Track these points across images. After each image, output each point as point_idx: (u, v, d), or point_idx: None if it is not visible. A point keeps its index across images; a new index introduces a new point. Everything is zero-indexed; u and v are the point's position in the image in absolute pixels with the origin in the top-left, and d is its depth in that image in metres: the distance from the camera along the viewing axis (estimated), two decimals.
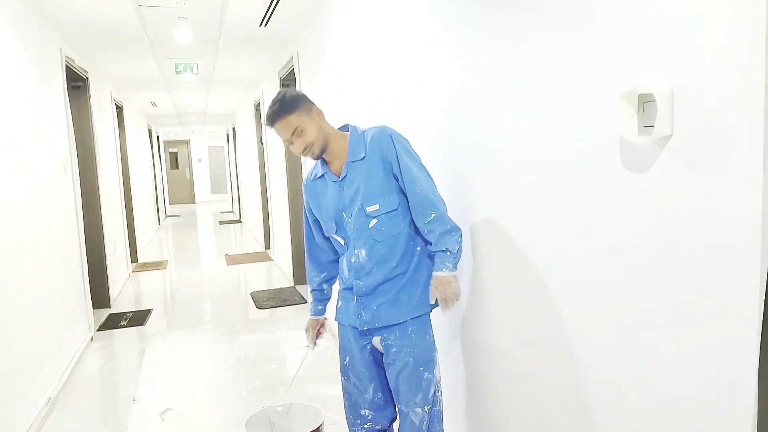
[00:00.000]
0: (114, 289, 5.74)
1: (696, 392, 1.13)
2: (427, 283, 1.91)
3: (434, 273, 1.85)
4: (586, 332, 1.45)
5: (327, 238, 2.05)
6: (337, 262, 2.07)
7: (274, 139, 6.47)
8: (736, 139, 0.99)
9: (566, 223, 1.50)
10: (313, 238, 2.09)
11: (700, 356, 1.11)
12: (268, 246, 8.31)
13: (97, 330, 4.79)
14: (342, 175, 1.89)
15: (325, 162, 1.95)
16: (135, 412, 3.12)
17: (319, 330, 2.21)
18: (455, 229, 1.84)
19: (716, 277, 1.06)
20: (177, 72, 6.12)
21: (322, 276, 2.13)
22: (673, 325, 1.17)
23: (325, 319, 2.23)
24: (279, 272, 6.93)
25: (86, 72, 5.07)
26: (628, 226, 1.27)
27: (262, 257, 8.01)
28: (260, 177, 8.09)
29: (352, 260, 1.92)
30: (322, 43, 3.98)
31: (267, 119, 1.82)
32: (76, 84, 5.01)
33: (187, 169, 18.95)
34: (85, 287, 4.44)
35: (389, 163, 1.83)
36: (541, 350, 1.66)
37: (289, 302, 5.41)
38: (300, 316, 4.97)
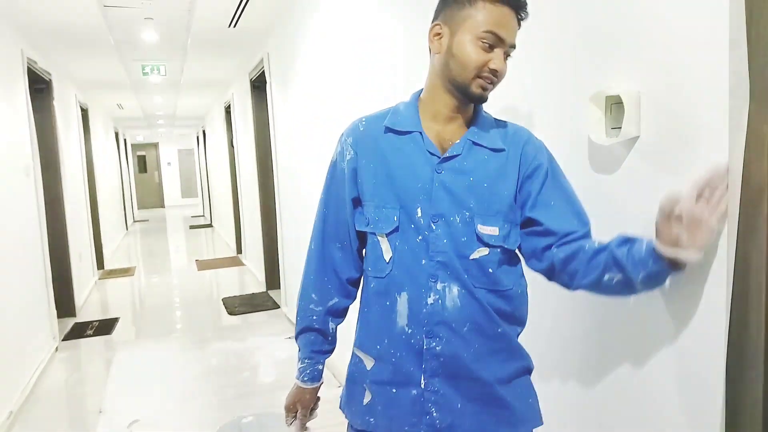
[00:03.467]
0: (80, 297, 5.59)
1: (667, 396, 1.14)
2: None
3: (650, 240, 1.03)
4: (557, 333, 1.46)
5: (357, 237, 1.27)
6: (357, 286, 1.32)
7: (245, 142, 6.39)
8: (702, 141, 1.00)
9: None
10: (334, 232, 1.28)
11: (669, 355, 1.12)
12: (239, 250, 8.20)
13: (63, 340, 4.65)
14: (452, 152, 1.16)
15: (418, 116, 1.21)
16: (102, 425, 3.03)
17: (312, 407, 1.37)
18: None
19: (683, 277, 1.07)
20: (144, 74, 6.01)
21: (331, 303, 1.29)
22: (644, 331, 1.17)
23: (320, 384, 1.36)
24: (251, 277, 6.85)
25: (49, 74, 4.93)
26: (596, 227, 1.28)
27: (234, 262, 7.90)
28: (231, 180, 7.99)
29: (429, 300, 1.14)
30: (293, 44, 3.95)
31: None
32: (39, 87, 4.86)
33: (156, 173, 18.62)
34: (49, 296, 4.31)
35: (524, 175, 1.16)
36: None
37: (261, 308, 5.34)
38: (273, 321, 4.91)
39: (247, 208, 6.88)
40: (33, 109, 4.62)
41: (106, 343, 4.57)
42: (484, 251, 1.13)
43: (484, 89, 1.12)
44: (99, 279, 7.06)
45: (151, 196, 18.27)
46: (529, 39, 1.43)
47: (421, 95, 1.23)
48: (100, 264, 7.44)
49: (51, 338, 4.31)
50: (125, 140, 14.38)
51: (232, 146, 7.58)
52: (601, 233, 1.26)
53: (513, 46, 1.12)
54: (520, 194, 1.16)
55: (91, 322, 5.15)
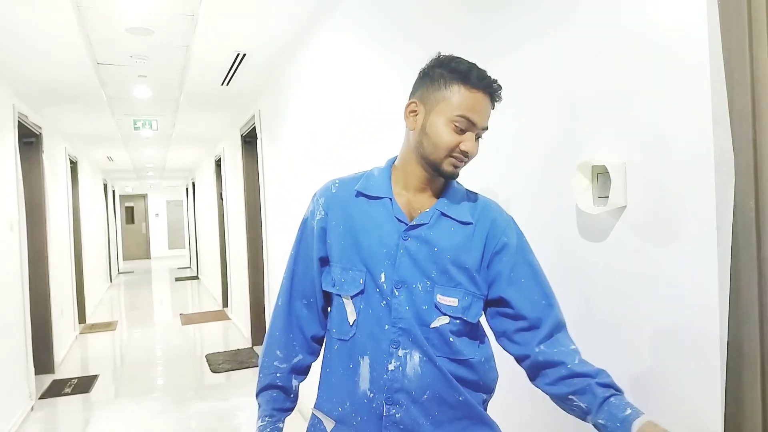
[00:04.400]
0: (59, 353, 5.43)
1: None
2: None
3: (641, 421, 0.97)
4: None
5: (323, 296, 1.28)
6: (320, 343, 1.31)
7: (234, 195, 6.40)
8: (689, 214, 1.01)
9: None
10: (301, 290, 1.28)
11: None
12: (225, 304, 8.07)
13: (39, 398, 4.48)
14: (419, 221, 1.17)
15: (390, 183, 1.23)
16: None
17: None
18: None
19: (675, 353, 1.06)
20: (135, 128, 6.05)
21: (296, 360, 1.28)
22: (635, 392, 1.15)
23: None
24: (236, 332, 6.71)
25: (40, 128, 4.95)
26: (584, 294, 1.27)
27: (220, 316, 7.76)
28: (219, 233, 7.95)
29: (390, 367, 1.14)
30: (284, 102, 4.02)
31: (489, 80, 1.13)
32: (29, 140, 4.88)
33: (144, 224, 18.51)
34: (27, 353, 4.18)
35: (492, 251, 1.17)
36: None
37: (247, 365, 5.21)
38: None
39: (234, 262, 6.82)
40: (21, 163, 4.62)
41: (84, 403, 4.41)
42: (444, 320, 1.14)
43: (456, 167, 1.15)
44: (80, 333, 6.88)
45: (137, 248, 18.09)
46: (518, 108, 1.47)
47: (395, 163, 1.26)
48: (81, 318, 7.28)
49: (27, 397, 4.15)
50: (113, 191, 14.36)
51: (221, 199, 7.58)
52: (589, 301, 1.25)
53: (485, 129, 1.15)
54: (488, 270, 1.17)
55: (70, 379, 4.98)
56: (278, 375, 1.27)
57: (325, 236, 1.23)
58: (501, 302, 1.17)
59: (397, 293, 1.14)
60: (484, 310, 1.20)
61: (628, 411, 0.99)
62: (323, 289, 1.25)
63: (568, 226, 1.31)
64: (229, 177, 6.76)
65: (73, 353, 6.00)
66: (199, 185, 11.00)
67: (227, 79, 4.33)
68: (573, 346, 1.11)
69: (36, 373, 4.89)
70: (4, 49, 3.31)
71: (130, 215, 18.40)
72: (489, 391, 1.22)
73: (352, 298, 1.18)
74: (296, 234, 1.31)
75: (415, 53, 2.00)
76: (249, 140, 5.46)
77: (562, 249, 1.33)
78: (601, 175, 1.21)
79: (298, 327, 1.28)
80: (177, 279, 12.66)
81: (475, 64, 1.14)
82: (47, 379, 4.96)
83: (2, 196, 3.72)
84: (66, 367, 5.42)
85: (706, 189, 0.97)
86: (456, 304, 1.14)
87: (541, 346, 1.11)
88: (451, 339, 1.14)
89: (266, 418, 1.27)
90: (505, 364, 1.23)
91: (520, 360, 1.17)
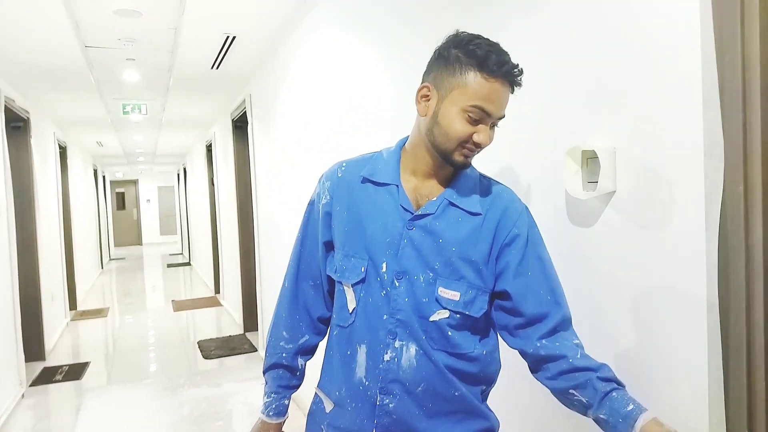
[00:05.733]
0: (50, 340, 5.41)
1: None
2: None
3: (645, 417, 0.96)
4: None
5: (329, 279, 1.27)
6: (328, 324, 1.30)
7: (225, 181, 6.36)
8: (678, 199, 1.01)
9: None
10: (308, 271, 1.28)
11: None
12: (217, 290, 8.06)
13: (30, 385, 4.47)
14: (425, 210, 1.13)
15: (398, 168, 1.19)
16: None
17: None
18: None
19: (663, 340, 1.06)
20: (125, 112, 5.98)
21: (302, 341, 1.29)
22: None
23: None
24: (228, 318, 6.71)
25: (27, 112, 4.88)
26: (573, 281, 1.27)
27: (212, 302, 7.75)
28: (211, 219, 7.92)
29: (386, 357, 1.12)
30: (275, 87, 3.97)
31: (509, 67, 1.05)
32: (17, 125, 4.82)
33: (135, 210, 18.40)
34: (17, 340, 4.16)
35: (501, 243, 1.13)
36: None
37: (239, 351, 5.22)
38: (250, 366, 4.79)
39: (225, 248, 6.80)
40: (9, 148, 4.56)
41: (76, 389, 4.40)
42: (444, 314, 1.11)
43: (467, 157, 1.11)
44: (71, 320, 6.85)
45: (128, 234, 17.99)
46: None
47: (405, 145, 1.21)
48: (72, 305, 7.24)
49: (18, 384, 4.14)
50: (104, 177, 14.25)
51: (213, 184, 7.53)
52: (578, 288, 1.25)
53: (501, 117, 1.09)
54: (498, 263, 1.13)
55: (61, 366, 4.97)
56: (284, 355, 1.29)
57: (330, 221, 1.21)
58: (504, 295, 1.14)
59: (397, 284, 1.12)
60: (490, 302, 1.16)
61: (631, 406, 0.97)
62: (327, 273, 1.24)
63: (557, 211, 1.31)
64: (220, 162, 6.71)
65: (64, 340, 5.98)
66: (190, 171, 10.93)
67: (217, 63, 4.27)
68: (576, 341, 1.09)
69: (26, 361, 4.87)
70: None
71: (121, 201, 18.27)
72: (490, 382, 1.20)
73: (352, 286, 1.16)
74: (303, 216, 1.29)
75: (411, 39, 1.98)
76: (240, 125, 5.41)
77: (552, 234, 1.32)
78: (590, 160, 1.20)
79: (305, 308, 1.29)
80: (169, 265, 12.62)
81: (496, 46, 1.05)
82: (38, 366, 4.94)
83: None
84: (57, 354, 5.40)
85: (696, 174, 0.96)
86: (458, 298, 1.11)
87: (543, 341, 1.09)
88: (449, 333, 1.11)
89: (272, 395, 1.30)
90: (509, 353, 1.22)
91: (523, 355, 1.14)
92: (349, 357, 1.17)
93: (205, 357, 5.08)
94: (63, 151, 7.23)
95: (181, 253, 14.42)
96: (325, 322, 1.30)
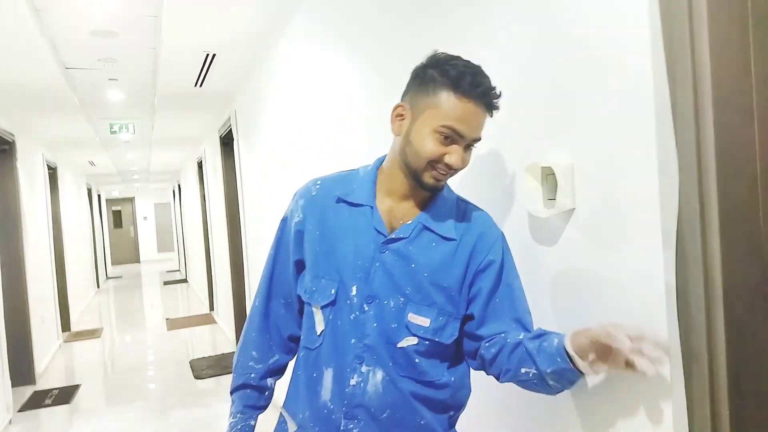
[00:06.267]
0: (40, 363, 5.34)
1: None
2: None
3: (569, 335, 0.97)
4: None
5: (298, 299, 1.23)
6: (297, 344, 1.25)
7: (215, 197, 6.33)
8: (635, 216, 0.96)
9: None
10: (279, 289, 1.25)
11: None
12: (212, 307, 8.00)
13: (19, 410, 4.40)
14: (399, 234, 1.11)
15: (374, 189, 1.16)
16: None
17: None
18: None
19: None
20: (112, 132, 5.96)
21: (272, 361, 1.25)
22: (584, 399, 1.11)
23: None
24: (222, 336, 6.65)
25: (12, 135, 4.85)
26: (537, 301, 1.22)
27: (206, 320, 7.68)
28: (203, 235, 7.87)
29: (352, 381, 1.09)
30: (257, 103, 3.95)
31: (484, 89, 1.02)
32: (2, 148, 4.79)
33: (132, 228, 18.36)
34: (2, 365, 4.09)
35: (475, 268, 1.11)
36: None
37: (230, 370, 5.11)
38: None
39: (218, 264, 6.75)
40: None
41: (65, 414, 4.34)
42: (412, 341, 1.09)
43: (438, 180, 1.07)
44: (64, 342, 6.79)
45: (125, 252, 17.94)
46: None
47: (382, 164, 1.18)
48: (66, 326, 7.18)
49: (4, 410, 4.07)
50: (99, 196, 14.22)
51: (204, 201, 7.50)
52: (542, 307, 1.21)
53: (477, 140, 1.06)
54: (471, 288, 1.11)
55: (51, 390, 4.90)
56: (252, 375, 1.25)
57: (302, 240, 1.18)
58: (470, 318, 1.12)
59: (366, 308, 1.09)
60: (462, 333, 1.14)
61: (556, 341, 0.96)
62: (297, 293, 1.21)
63: (520, 230, 1.26)
64: (211, 179, 6.68)
65: (56, 363, 5.91)
66: (184, 187, 10.90)
67: (200, 81, 4.25)
68: (525, 332, 1.07)
69: (16, 385, 4.81)
70: None
71: (117, 219, 18.24)
72: (458, 407, 1.18)
73: (321, 308, 1.13)
74: (275, 233, 1.26)
75: (381, 51, 1.95)
76: (227, 142, 5.39)
77: (516, 253, 1.28)
78: (550, 177, 1.16)
79: (276, 327, 1.26)
80: (165, 282, 12.55)
81: (473, 68, 1.03)
82: (28, 391, 4.88)
83: None
84: (48, 378, 5.34)
85: (651, 191, 0.92)
86: (428, 325, 1.08)
87: (492, 341, 1.09)
88: (416, 360, 1.09)
89: (238, 415, 1.26)
90: (480, 378, 1.18)
91: (483, 369, 1.13)
92: (314, 380, 1.13)
93: (197, 377, 5.02)
94: (53, 172, 7.20)
95: (179, 270, 14.36)
96: (296, 340, 1.26)
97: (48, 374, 5.45)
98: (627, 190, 0.98)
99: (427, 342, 1.09)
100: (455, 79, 1.00)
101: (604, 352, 0.89)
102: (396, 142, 1.12)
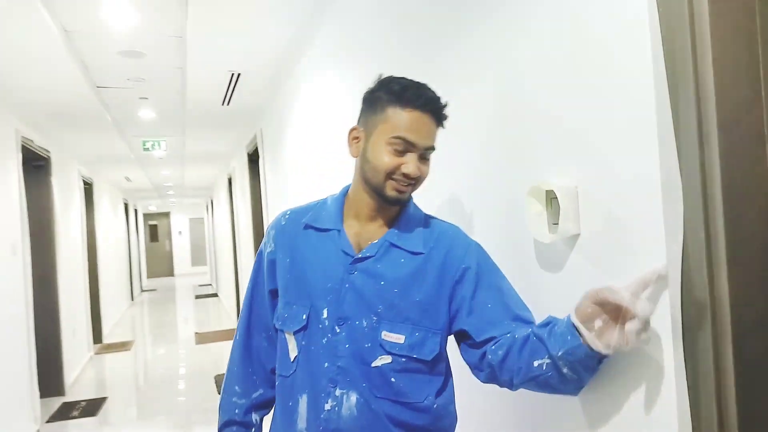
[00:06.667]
0: (70, 375, 5.44)
1: None
2: None
3: (572, 314, 0.93)
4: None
5: (276, 329, 1.20)
6: None
7: (243, 213, 6.40)
8: (639, 245, 0.90)
9: None
10: (260, 322, 1.25)
11: None
12: None
13: (47, 421, 4.48)
14: (366, 253, 1.11)
15: (341, 214, 1.17)
16: None
17: None
18: None
19: (629, 383, 0.94)
20: (145, 149, 6.11)
21: (256, 395, 1.24)
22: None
23: None
24: None
25: (48, 152, 5.01)
26: None
27: (233, 335, 7.72)
28: (232, 250, 7.96)
29: (326, 406, 1.07)
30: (281, 121, 3.98)
31: (426, 99, 1.07)
32: (38, 164, 4.94)
33: (167, 242, 18.75)
34: (31, 377, 4.18)
35: (452, 280, 1.10)
36: None
37: None
38: None
39: (244, 279, 6.79)
40: (30, 187, 4.67)
41: (91, 426, 4.40)
42: (386, 359, 1.07)
43: (400, 192, 1.08)
44: (95, 354, 6.92)
45: (161, 265, 18.31)
46: (467, 131, 1.38)
47: (348, 191, 1.20)
48: (97, 338, 7.33)
49: (32, 421, 4.15)
50: (136, 210, 14.57)
51: (233, 216, 7.60)
52: None
53: (430, 148, 1.09)
54: (452, 303, 1.10)
55: (79, 402, 4.98)
56: (237, 411, 1.24)
57: (275, 269, 1.20)
58: (465, 334, 1.10)
59: (338, 330, 1.08)
60: (459, 344, 1.13)
61: (566, 319, 0.93)
62: (273, 323, 1.20)
63: (526, 255, 1.21)
64: (239, 195, 6.76)
65: (85, 375, 6.02)
66: (216, 203, 11.09)
67: (227, 99, 4.32)
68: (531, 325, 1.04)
69: (46, 396, 4.92)
70: (5, 76, 3.34)
71: (154, 233, 18.66)
72: (443, 401, 1.12)
73: (294, 333, 1.13)
74: (253, 265, 1.28)
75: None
76: (254, 159, 5.45)
77: (522, 280, 1.23)
78: (555, 201, 1.11)
79: (258, 360, 1.25)
80: (197, 296, 12.73)
81: (416, 83, 1.09)
82: (57, 402, 4.97)
83: (5, 220, 3.75)
84: (77, 389, 5.43)
85: (656, 219, 0.86)
86: (402, 341, 1.07)
87: (499, 343, 1.05)
88: (392, 379, 1.06)
89: None
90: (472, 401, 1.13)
91: (493, 379, 1.08)
92: (290, 408, 1.12)
93: (220, 392, 5.02)
94: (89, 188, 7.41)
95: (210, 284, 14.55)
96: None
97: (77, 386, 5.55)
98: (632, 217, 0.92)
99: (403, 359, 1.07)
100: (399, 93, 1.06)
101: (611, 317, 0.87)
102: (356, 164, 1.15)
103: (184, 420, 4.37)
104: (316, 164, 3.06)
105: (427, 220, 1.17)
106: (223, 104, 4.47)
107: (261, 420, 1.27)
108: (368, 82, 2.08)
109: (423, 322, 1.08)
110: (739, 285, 0.77)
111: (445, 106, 1.09)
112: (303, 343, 1.11)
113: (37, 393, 4.31)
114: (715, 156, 0.78)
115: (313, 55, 2.95)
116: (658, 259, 0.85)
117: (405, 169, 1.06)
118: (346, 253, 1.12)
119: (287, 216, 1.23)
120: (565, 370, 0.93)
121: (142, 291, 14.36)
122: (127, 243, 11.83)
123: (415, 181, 1.09)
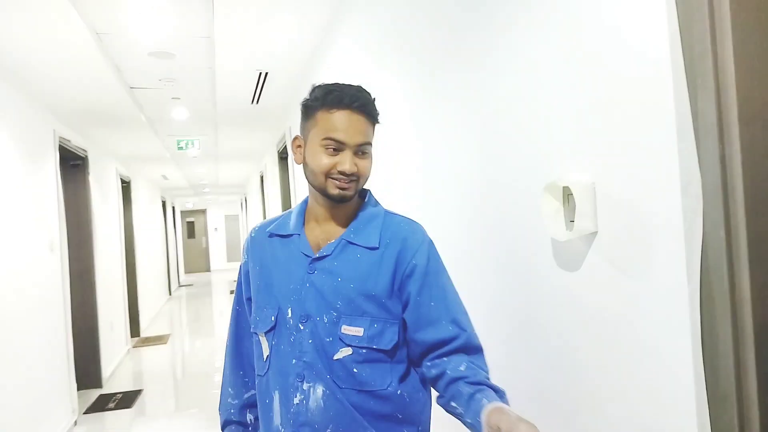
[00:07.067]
0: (107, 368, 5.60)
1: None
2: None
3: (491, 406, 0.94)
4: None
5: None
6: None
7: (274, 208, 6.46)
8: (659, 244, 0.86)
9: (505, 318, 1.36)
10: (246, 328, 1.31)
11: None
12: None
13: (85, 412, 4.62)
14: (323, 252, 1.17)
15: (302, 219, 1.24)
16: None
17: None
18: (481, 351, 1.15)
19: (645, 387, 0.90)
20: (179, 148, 6.23)
21: (248, 395, 1.31)
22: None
23: None
24: None
25: (85, 151, 5.16)
26: (559, 328, 1.13)
27: None
28: None
29: (295, 400, 1.12)
30: None
31: (350, 98, 1.12)
32: (75, 163, 5.09)
33: (204, 238, 19.13)
34: (69, 369, 4.31)
35: (403, 274, 1.14)
36: None
37: None
38: None
39: None
40: (67, 185, 4.82)
41: (125, 418, 4.51)
42: (347, 351, 1.12)
43: (343, 189, 1.13)
44: (132, 347, 7.11)
45: (197, 261, 18.70)
46: (483, 124, 1.35)
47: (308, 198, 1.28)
48: (135, 332, 7.52)
49: (70, 412, 4.28)
50: (173, 208, 14.90)
51: (264, 214, 7.69)
52: (566, 335, 1.11)
53: (364, 144, 1.14)
54: (401, 294, 1.15)
55: (115, 394, 5.12)
56: (232, 411, 1.33)
57: (248, 278, 1.29)
58: (406, 325, 1.15)
59: (302, 327, 1.15)
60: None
61: (484, 402, 0.96)
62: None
63: (542, 254, 1.17)
64: (270, 193, 6.84)
65: (122, 367, 6.19)
66: (250, 200, 11.24)
67: (256, 98, 4.36)
68: (471, 364, 1.07)
69: (84, 388, 5.07)
70: (42, 78, 3.45)
71: (191, 230, 19.06)
72: (416, 423, 1.16)
73: (265, 334, 1.19)
74: (237, 276, 1.37)
75: (423, 62, 1.92)
76: (284, 157, 5.49)
77: (537, 280, 1.19)
78: (571, 197, 1.07)
79: (249, 363, 1.31)
80: (232, 291, 12.92)
81: (340, 86, 1.14)
82: (94, 394, 5.12)
83: (42, 219, 3.87)
84: (114, 382, 5.58)
85: (676, 216, 0.82)
86: (361, 334, 1.12)
87: (435, 361, 1.10)
88: (354, 370, 1.11)
89: None
90: None
91: (424, 382, 1.16)
92: (267, 405, 1.18)
93: None
94: (127, 186, 7.60)
95: None
96: None
97: (114, 378, 5.70)
98: (651, 215, 0.88)
99: (363, 350, 1.12)
100: (323, 97, 1.13)
101: None
102: (303, 171, 1.22)
103: (216, 413, 4.43)
104: None
105: (386, 217, 1.21)
106: (252, 103, 4.52)
107: (256, 419, 1.31)
108: (397, 73, 2.06)
109: (381, 314, 1.13)
110: (761, 284, 0.73)
111: (371, 102, 1.14)
112: (273, 342, 1.17)
113: (75, 385, 4.44)
114: (737, 149, 0.74)
115: (338, 52, 2.94)
116: (678, 258, 0.81)
117: (340, 167, 1.12)
118: (306, 255, 1.18)
119: (256, 229, 1.31)
120: (468, 428, 1.00)
121: (180, 286, 14.69)
122: (165, 239, 12.11)
123: (355, 178, 1.13)
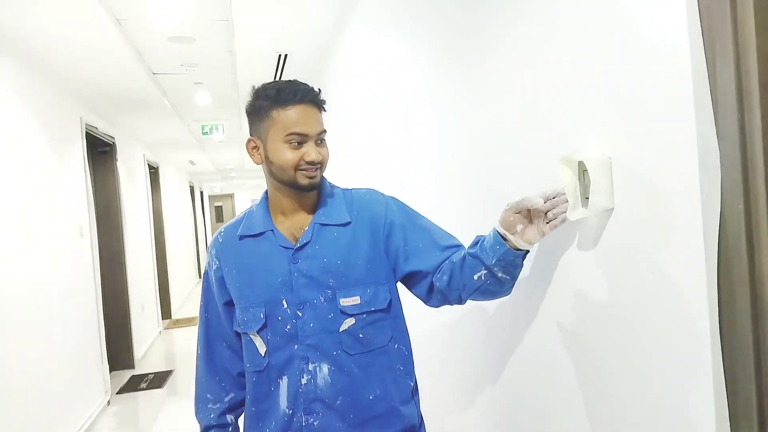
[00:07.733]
0: (139, 349, 5.75)
1: None
2: None
3: (495, 228, 1.12)
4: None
5: (237, 336, 1.33)
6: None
7: None
8: (677, 218, 0.82)
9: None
10: (219, 333, 1.35)
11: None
12: None
13: (117, 393, 4.77)
14: (302, 241, 1.22)
15: (269, 216, 1.29)
16: None
17: None
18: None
19: (666, 362, 0.87)
20: (204, 133, 6.28)
21: (228, 399, 1.34)
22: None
23: None
24: None
25: (112, 138, 5.24)
26: (579, 304, 1.10)
27: None
28: None
29: (303, 381, 1.20)
30: (328, 99, 3.97)
31: (302, 93, 1.19)
32: (103, 149, 5.18)
33: None
34: (102, 350, 4.44)
35: (383, 236, 1.24)
36: None
37: None
38: None
39: None
40: (96, 172, 4.92)
41: (157, 397, 4.64)
42: (350, 321, 1.22)
43: (311, 177, 1.21)
44: (164, 329, 7.28)
45: None
46: (498, 97, 1.31)
47: (268, 194, 1.32)
48: (166, 314, 7.70)
49: (103, 392, 4.42)
50: (201, 192, 15.11)
51: None
52: (585, 310, 1.08)
53: (322, 132, 1.23)
54: (389, 253, 1.27)
55: (147, 374, 5.27)
56: (212, 416, 1.36)
57: (224, 283, 1.31)
58: (412, 275, 1.27)
59: (300, 314, 1.21)
60: (409, 287, 1.31)
61: (491, 232, 1.13)
62: (234, 329, 1.32)
63: (556, 232, 1.14)
64: None
65: (154, 349, 6.35)
66: None
67: (277, 80, 4.35)
68: (464, 251, 1.20)
69: (117, 369, 5.22)
70: (67, 66, 3.50)
71: (219, 214, 19.32)
72: (413, 378, 1.30)
73: (258, 332, 1.25)
74: (202, 284, 1.40)
75: (439, 34, 1.88)
76: None
77: (552, 258, 1.16)
78: (587, 173, 1.03)
79: (223, 368, 1.36)
80: None
81: (284, 82, 1.21)
82: (127, 374, 5.27)
83: (72, 205, 3.96)
84: (146, 362, 5.74)
85: (693, 188, 0.78)
86: (359, 301, 1.22)
87: (442, 269, 1.23)
88: (360, 335, 1.22)
89: None
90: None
91: (444, 301, 1.26)
92: (272, 393, 1.24)
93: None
94: (155, 171, 7.72)
95: None
96: (245, 376, 1.35)
97: (146, 359, 5.86)
98: (670, 190, 0.84)
99: (364, 315, 1.22)
100: (275, 96, 1.19)
101: (527, 220, 1.08)
102: (264, 169, 1.27)
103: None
104: (365, 138, 3.04)
105: (345, 193, 1.31)
106: None
107: (236, 419, 1.38)
108: (419, 49, 2.03)
109: (371, 279, 1.24)
110: None
111: (318, 93, 1.23)
112: (268, 336, 1.23)
113: (107, 366, 4.58)
114: (757, 117, 0.69)
115: (357, 31, 2.91)
116: (697, 234, 0.78)
117: (307, 158, 1.19)
118: (285, 247, 1.24)
119: (222, 234, 1.34)
120: (500, 274, 1.12)
121: None
122: (194, 223, 12.30)
123: (320, 165, 1.22)
